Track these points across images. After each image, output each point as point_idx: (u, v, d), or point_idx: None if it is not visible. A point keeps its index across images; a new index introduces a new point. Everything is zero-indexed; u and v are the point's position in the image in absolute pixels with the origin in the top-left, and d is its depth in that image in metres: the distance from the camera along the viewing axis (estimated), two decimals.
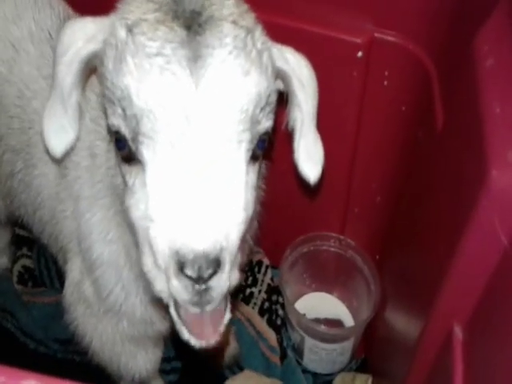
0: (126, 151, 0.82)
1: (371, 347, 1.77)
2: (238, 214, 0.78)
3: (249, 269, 1.92)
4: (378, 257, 1.76)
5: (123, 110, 0.78)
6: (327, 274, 1.89)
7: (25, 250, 2.08)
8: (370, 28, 1.36)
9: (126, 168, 0.84)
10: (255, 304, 1.89)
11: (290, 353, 1.81)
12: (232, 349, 1.78)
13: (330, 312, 1.89)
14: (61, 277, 1.68)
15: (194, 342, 0.83)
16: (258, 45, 0.84)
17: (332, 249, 1.82)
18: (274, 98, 0.86)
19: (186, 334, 0.83)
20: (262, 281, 1.93)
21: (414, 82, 1.37)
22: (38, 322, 1.84)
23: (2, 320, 1.86)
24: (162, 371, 1.70)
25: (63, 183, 1.19)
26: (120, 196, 0.95)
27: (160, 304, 1.12)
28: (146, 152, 0.77)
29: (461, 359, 0.90)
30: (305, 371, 1.79)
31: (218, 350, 1.72)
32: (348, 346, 1.71)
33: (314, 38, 1.37)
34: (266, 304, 1.89)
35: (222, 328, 0.84)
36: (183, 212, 0.74)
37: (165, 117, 0.75)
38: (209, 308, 0.79)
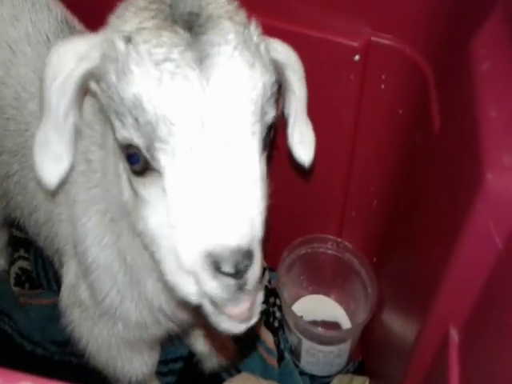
0: (139, 165, 0.82)
1: (368, 349, 1.77)
2: (259, 203, 0.79)
3: None
4: (375, 259, 1.76)
5: (135, 119, 0.78)
6: (324, 277, 1.89)
7: (22, 252, 2.08)
8: (367, 31, 1.37)
9: (138, 180, 0.84)
10: None
11: (287, 355, 1.81)
12: (229, 351, 1.78)
13: (327, 314, 1.89)
14: (58, 279, 1.68)
15: (235, 328, 0.84)
16: (255, 38, 0.86)
17: (329, 251, 1.82)
18: (275, 87, 0.87)
19: (225, 323, 0.83)
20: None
21: (410, 86, 1.38)
22: (35, 323, 1.83)
23: None
24: (159, 373, 1.70)
25: (60, 187, 1.19)
26: (129, 209, 0.94)
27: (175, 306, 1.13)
28: (164, 158, 0.77)
29: (457, 362, 0.90)
30: (302, 373, 1.79)
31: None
32: (345, 348, 1.71)
33: (311, 41, 1.38)
34: (264, 306, 1.89)
35: (258, 309, 0.85)
36: (209, 212, 0.75)
37: (180, 120, 0.76)
38: (246, 298, 0.80)
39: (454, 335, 0.93)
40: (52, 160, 0.95)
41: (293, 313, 1.70)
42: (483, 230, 0.80)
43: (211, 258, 0.74)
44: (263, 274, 1.93)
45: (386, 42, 1.37)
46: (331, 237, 1.82)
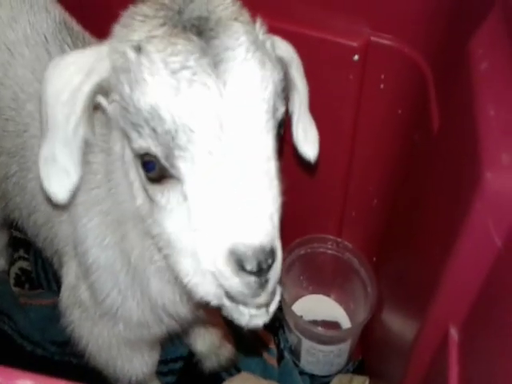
0: (155, 172, 0.82)
1: (368, 349, 1.77)
2: (276, 201, 0.80)
3: None
4: (374, 259, 1.76)
5: (153, 129, 0.78)
6: (324, 277, 1.90)
7: (22, 252, 2.08)
8: (367, 31, 1.37)
9: (154, 188, 0.84)
10: None
11: (287, 355, 1.82)
12: (229, 351, 1.78)
13: (327, 314, 1.89)
14: (58, 279, 1.68)
15: (255, 322, 0.85)
16: (260, 36, 0.87)
17: (329, 251, 1.83)
18: (283, 84, 0.88)
19: (245, 318, 0.85)
20: None
21: (409, 86, 1.38)
22: (35, 324, 1.84)
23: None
24: (159, 373, 1.70)
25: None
26: (143, 214, 0.94)
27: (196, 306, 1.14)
28: (184, 165, 0.78)
29: (456, 361, 0.90)
30: (302, 373, 1.80)
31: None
32: (345, 347, 1.72)
33: (311, 41, 1.38)
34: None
35: (275, 306, 0.86)
36: (231, 212, 0.75)
37: (200, 127, 0.76)
38: (267, 295, 0.81)
39: (454, 334, 0.94)
40: (60, 175, 0.93)
41: (293, 313, 1.70)
42: (482, 229, 0.81)
43: (235, 256, 0.75)
44: None
45: (385, 41, 1.37)
46: (331, 237, 1.82)
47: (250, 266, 0.75)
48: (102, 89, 0.88)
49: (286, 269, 1.80)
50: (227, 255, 0.76)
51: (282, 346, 1.83)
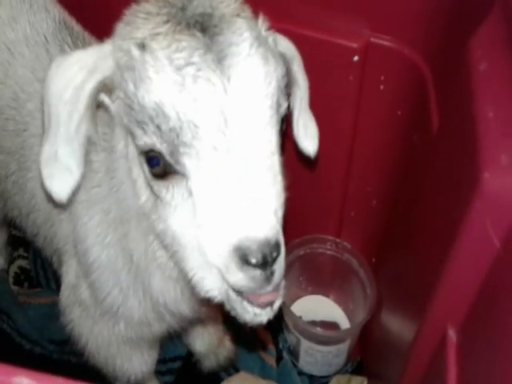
0: (160, 168, 0.83)
1: (367, 350, 1.77)
2: (280, 196, 0.81)
3: None
4: (373, 260, 1.76)
5: (158, 126, 0.78)
6: (323, 277, 1.90)
7: (21, 251, 2.08)
8: (366, 33, 1.37)
9: (159, 183, 0.84)
10: None
11: (285, 355, 1.82)
12: (228, 350, 1.78)
13: (326, 315, 1.89)
14: (57, 278, 1.68)
15: (259, 318, 0.85)
16: (263, 32, 0.88)
17: (328, 252, 1.83)
18: (286, 79, 0.88)
19: (249, 315, 0.85)
20: None
21: (409, 87, 1.38)
22: (34, 322, 1.84)
23: None
24: (158, 372, 1.71)
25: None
26: (147, 211, 0.94)
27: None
28: (189, 161, 0.78)
29: (454, 361, 0.91)
30: (300, 373, 1.80)
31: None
32: (344, 348, 1.72)
33: (311, 42, 1.38)
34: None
35: (279, 303, 0.86)
36: (236, 207, 0.76)
37: (204, 122, 0.76)
38: (271, 288, 0.81)
39: (452, 335, 0.94)
40: (62, 174, 0.93)
41: (292, 313, 1.70)
42: (481, 230, 0.81)
43: (240, 251, 0.76)
44: None
45: (385, 43, 1.37)
46: (330, 237, 1.82)
47: (255, 259, 0.75)
48: (105, 87, 0.88)
49: (286, 269, 1.79)
50: (232, 250, 0.76)
51: (280, 346, 1.83)
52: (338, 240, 1.81)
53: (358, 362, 1.82)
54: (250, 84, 0.79)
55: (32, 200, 1.31)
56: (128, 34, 0.84)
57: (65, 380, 0.52)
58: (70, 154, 0.92)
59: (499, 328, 0.77)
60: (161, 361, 1.70)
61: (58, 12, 1.36)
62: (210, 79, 0.77)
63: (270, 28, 0.92)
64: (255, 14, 0.91)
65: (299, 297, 1.93)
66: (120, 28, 0.87)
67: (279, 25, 1.30)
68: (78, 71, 0.88)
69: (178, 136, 0.77)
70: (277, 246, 0.77)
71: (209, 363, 1.77)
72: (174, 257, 0.90)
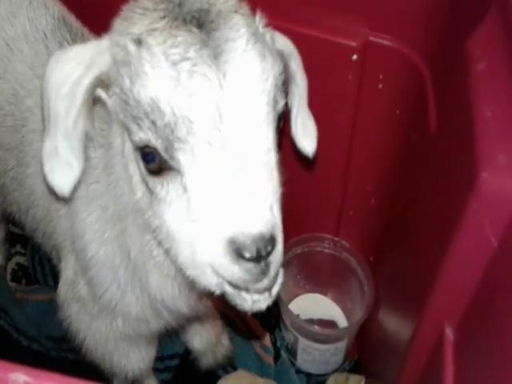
0: (155, 164, 0.83)
1: (364, 348, 1.78)
2: (276, 192, 0.81)
3: None
4: (371, 258, 1.77)
5: (153, 122, 0.78)
6: (321, 276, 1.90)
7: (19, 248, 2.08)
8: (365, 32, 1.37)
9: (154, 179, 0.85)
10: None
11: (283, 353, 1.82)
12: (225, 348, 1.78)
13: (324, 313, 1.90)
14: (55, 274, 1.69)
15: (258, 306, 0.85)
16: (260, 29, 0.88)
17: (326, 250, 1.83)
18: (283, 76, 0.88)
19: (248, 303, 0.85)
20: None
21: (408, 86, 1.38)
22: (32, 319, 1.84)
23: None
24: (156, 370, 1.71)
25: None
26: (142, 208, 0.95)
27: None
28: (183, 157, 0.78)
29: (452, 360, 0.91)
30: (298, 371, 1.80)
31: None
32: (341, 346, 1.72)
33: (309, 40, 1.38)
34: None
35: (277, 289, 0.86)
36: (230, 202, 0.76)
37: (199, 118, 0.76)
38: (268, 281, 0.81)
39: (449, 333, 0.94)
40: (63, 168, 0.94)
41: (289, 311, 1.70)
42: (478, 229, 0.81)
43: (234, 246, 0.76)
44: None
45: (383, 42, 1.37)
46: (328, 236, 1.82)
47: (249, 253, 0.75)
48: (102, 82, 0.88)
49: (284, 267, 1.79)
50: (226, 245, 0.76)
51: (278, 344, 1.83)
52: (337, 239, 1.81)
53: (355, 361, 1.82)
54: (246, 80, 0.79)
55: (31, 196, 1.31)
56: (125, 29, 0.84)
57: (61, 376, 0.52)
58: (69, 149, 0.93)
59: (496, 327, 0.77)
60: (158, 358, 1.71)
61: (58, 8, 1.36)
62: (206, 74, 0.77)
63: (267, 25, 0.92)
64: (253, 11, 0.91)
65: (297, 295, 1.93)
66: (117, 24, 0.88)
67: (278, 23, 1.30)
68: (75, 66, 0.89)
69: (172, 131, 0.77)
70: (272, 240, 0.77)
71: (206, 361, 1.77)
72: (170, 253, 0.90)
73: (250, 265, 0.77)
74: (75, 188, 0.99)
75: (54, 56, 0.92)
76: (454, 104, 1.01)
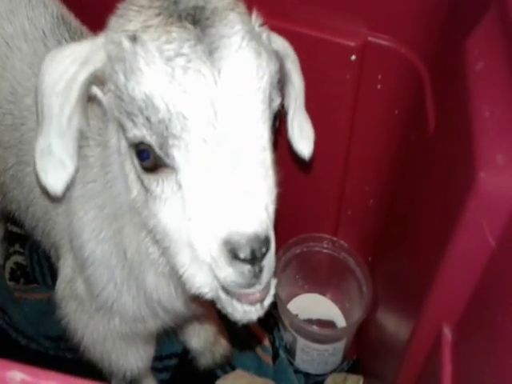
0: (150, 161, 0.82)
1: (363, 348, 1.78)
2: (272, 192, 0.81)
3: None
4: (370, 259, 1.77)
5: (147, 118, 0.78)
6: (320, 276, 1.90)
7: (17, 247, 2.08)
8: (364, 32, 1.37)
9: (149, 177, 0.84)
10: None
11: (282, 353, 1.82)
12: (224, 348, 1.78)
13: (322, 313, 1.90)
14: (53, 273, 1.69)
15: (249, 316, 0.85)
16: (256, 28, 0.88)
17: (325, 250, 1.83)
18: (279, 75, 0.88)
19: (239, 312, 0.84)
20: None
21: (406, 86, 1.38)
22: (30, 318, 1.84)
23: None
24: (154, 369, 1.71)
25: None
26: (138, 206, 0.94)
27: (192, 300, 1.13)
28: (178, 154, 0.78)
29: (450, 360, 0.91)
30: (297, 371, 1.80)
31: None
32: (340, 346, 1.72)
33: (308, 40, 1.38)
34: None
35: (269, 301, 0.86)
36: (225, 201, 0.76)
37: (194, 114, 0.76)
38: (261, 287, 0.81)
39: (447, 333, 0.94)
40: (56, 167, 0.94)
41: (288, 311, 1.70)
42: (476, 229, 0.81)
43: (229, 245, 0.75)
44: None
45: (382, 42, 1.38)
46: (327, 236, 1.82)
47: (244, 254, 0.75)
48: (97, 79, 0.88)
49: (282, 267, 1.80)
50: (221, 244, 0.76)
51: (277, 344, 1.83)
52: (335, 239, 1.81)
53: (354, 361, 1.82)
54: (241, 77, 0.79)
55: (30, 194, 1.31)
56: (120, 26, 0.84)
57: (59, 374, 0.52)
58: (63, 148, 0.92)
59: (494, 326, 0.77)
60: (157, 358, 1.71)
61: (57, 7, 1.36)
62: (200, 70, 0.77)
63: (264, 24, 0.92)
64: (250, 11, 0.91)
65: (296, 295, 1.94)
66: (113, 21, 0.88)
67: (277, 23, 1.31)
68: (70, 64, 0.89)
69: (167, 128, 0.77)
70: (266, 241, 0.76)
71: (205, 360, 1.77)
72: (165, 253, 0.89)
73: (245, 267, 0.77)
74: (69, 188, 0.98)
75: (49, 54, 0.92)
76: (453, 104, 1.01)
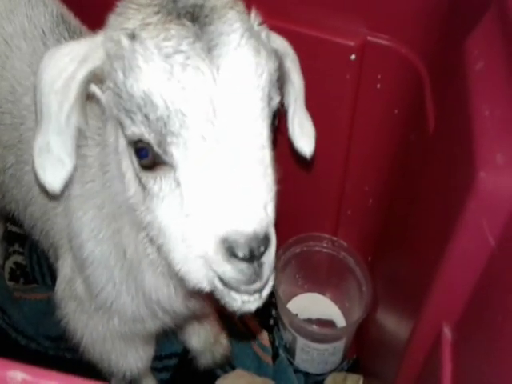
0: (149, 158, 0.82)
1: (363, 348, 1.78)
2: (271, 189, 0.80)
3: None
4: (370, 258, 1.77)
5: (146, 116, 0.78)
6: (320, 275, 1.90)
7: (17, 247, 2.08)
8: (364, 31, 1.37)
9: (147, 175, 0.84)
10: None
11: (281, 352, 1.82)
12: (224, 347, 1.78)
13: (322, 312, 1.90)
14: (53, 273, 1.68)
15: (247, 307, 0.84)
16: (255, 26, 0.88)
17: (325, 250, 1.83)
18: (278, 74, 0.88)
19: (238, 303, 0.84)
20: None
21: (406, 86, 1.38)
22: (29, 318, 1.84)
23: None
24: (154, 369, 1.71)
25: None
26: (135, 204, 0.94)
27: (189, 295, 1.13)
28: (177, 151, 0.78)
29: (449, 359, 0.91)
30: (296, 371, 1.80)
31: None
32: (340, 346, 1.72)
33: (308, 40, 1.38)
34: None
35: (268, 291, 0.85)
36: (224, 199, 0.75)
37: (192, 111, 0.76)
38: (260, 283, 0.80)
39: (447, 333, 0.94)
40: (54, 165, 0.94)
41: (288, 311, 1.70)
42: (476, 229, 0.81)
43: (227, 243, 0.75)
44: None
45: (382, 41, 1.38)
46: (327, 235, 1.82)
47: (242, 253, 0.75)
48: (96, 77, 0.88)
49: (282, 267, 1.80)
50: (219, 242, 0.76)
51: (276, 343, 1.83)
52: (335, 238, 1.81)
53: (353, 360, 1.82)
54: (240, 74, 0.79)
55: (29, 193, 1.31)
56: (119, 24, 0.85)
57: (59, 374, 0.52)
58: (62, 146, 0.92)
59: (494, 326, 0.78)
60: (157, 358, 1.71)
61: (56, 6, 1.36)
62: (199, 67, 0.77)
63: (263, 23, 0.92)
64: (249, 10, 0.91)
65: (295, 294, 1.94)
66: (112, 19, 0.88)
67: (276, 23, 1.31)
68: (69, 62, 0.89)
69: (165, 125, 0.77)
70: (265, 239, 0.76)
71: (205, 360, 1.77)
72: (161, 250, 0.89)
73: (243, 265, 0.76)
74: (67, 185, 0.98)
75: (48, 52, 0.92)
76: (452, 104, 1.01)
